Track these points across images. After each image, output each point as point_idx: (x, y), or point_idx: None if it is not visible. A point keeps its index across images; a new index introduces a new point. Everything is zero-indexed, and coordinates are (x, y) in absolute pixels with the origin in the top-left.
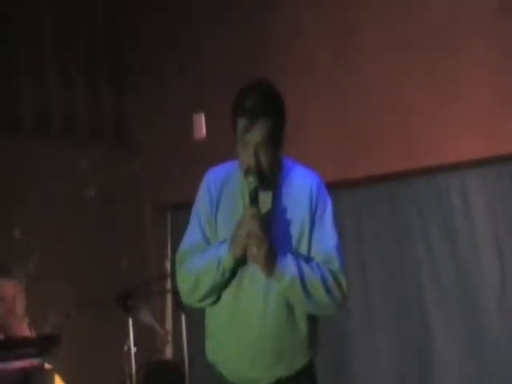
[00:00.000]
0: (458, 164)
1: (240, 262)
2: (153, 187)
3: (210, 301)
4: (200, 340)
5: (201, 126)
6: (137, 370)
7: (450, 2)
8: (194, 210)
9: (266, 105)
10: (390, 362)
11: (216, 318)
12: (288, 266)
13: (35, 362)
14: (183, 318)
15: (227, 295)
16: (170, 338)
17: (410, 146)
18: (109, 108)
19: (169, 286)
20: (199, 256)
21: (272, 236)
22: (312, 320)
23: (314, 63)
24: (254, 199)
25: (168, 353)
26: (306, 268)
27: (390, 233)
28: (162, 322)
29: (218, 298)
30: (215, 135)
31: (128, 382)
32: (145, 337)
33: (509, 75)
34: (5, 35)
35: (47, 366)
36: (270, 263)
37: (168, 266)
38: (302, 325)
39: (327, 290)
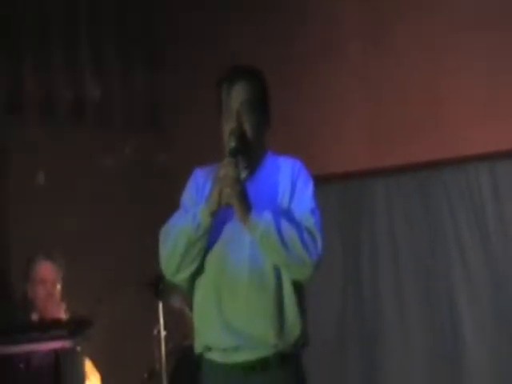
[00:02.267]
0: (489, 154)
1: (215, 217)
2: (184, 174)
3: (187, 271)
4: None
5: None
6: (166, 355)
7: None
8: (180, 204)
9: (244, 71)
10: (421, 361)
11: (201, 303)
12: (263, 214)
13: (66, 344)
14: None
15: (211, 272)
16: None
17: (441, 135)
18: (143, 97)
19: None
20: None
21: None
22: (300, 296)
23: (348, 52)
24: (231, 155)
25: None
26: (281, 219)
27: (421, 222)
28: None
29: (195, 272)
30: None
31: (157, 366)
32: (175, 322)
33: None
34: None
35: (78, 348)
36: (244, 203)
37: None
38: (290, 297)
39: (302, 241)
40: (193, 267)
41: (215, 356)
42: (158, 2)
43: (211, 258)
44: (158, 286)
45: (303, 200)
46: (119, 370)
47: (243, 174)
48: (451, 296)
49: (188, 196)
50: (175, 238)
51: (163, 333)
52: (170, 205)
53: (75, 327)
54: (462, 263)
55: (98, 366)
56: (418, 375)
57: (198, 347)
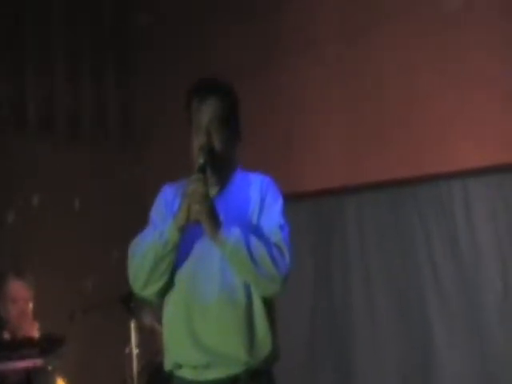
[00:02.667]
0: (461, 172)
1: (183, 233)
2: (155, 181)
3: (155, 286)
4: None
5: None
6: (139, 372)
7: None
8: (149, 220)
9: (214, 87)
10: (393, 373)
11: (171, 319)
12: (232, 230)
13: (38, 362)
14: None
15: (181, 289)
16: None
17: (413, 152)
18: (115, 101)
19: None
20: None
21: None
22: (270, 311)
23: (324, 52)
24: (200, 171)
25: None
26: (250, 235)
27: (393, 238)
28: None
29: (164, 287)
30: None
31: (130, 383)
32: (147, 339)
33: None
34: (13, 26)
35: (49, 367)
36: (213, 220)
37: None
38: (260, 313)
39: (271, 257)
40: (161, 282)
41: (185, 373)
42: (132, 12)
43: (181, 275)
44: (129, 304)
45: (272, 215)
46: None
47: (212, 191)
48: (423, 311)
49: (156, 212)
50: (143, 254)
51: (135, 351)
52: (141, 219)
53: (47, 346)
54: (433, 278)
55: None
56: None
57: (167, 364)
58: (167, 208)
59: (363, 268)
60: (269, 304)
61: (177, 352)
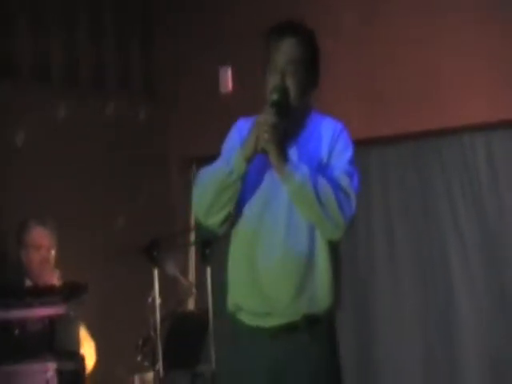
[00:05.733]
0: (484, 124)
1: (250, 164)
2: (179, 140)
3: (217, 216)
4: (224, 292)
5: (227, 79)
6: (161, 321)
7: None
8: (221, 153)
9: (295, 27)
10: (414, 330)
11: (235, 259)
12: (300, 166)
13: (60, 309)
14: (208, 270)
15: (246, 228)
16: (194, 290)
17: (436, 105)
18: (136, 59)
19: (193, 238)
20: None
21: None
22: (334, 259)
23: (341, 23)
24: (272, 106)
25: (191, 304)
26: (318, 175)
27: (416, 192)
28: (186, 274)
29: (227, 219)
30: (242, 89)
31: (152, 332)
32: (169, 288)
33: None
34: None
35: (72, 314)
36: (281, 151)
37: (192, 219)
38: (324, 261)
39: (337, 199)
40: (224, 213)
41: (245, 318)
42: None
43: (247, 212)
44: (152, 253)
45: (341, 162)
46: (114, 335)
47: (284, 131)
48: (445, 262)
49: (227, 145)
50: (207, 182)
51: (158, 300)
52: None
53: (69, 293)
54: (455, 233)
55: (93, 332)
56: (412, 345)
57: (229, 305)
58: (238, 143)
59: (385, 222)
60: (333, 252)
61: (237, 294)
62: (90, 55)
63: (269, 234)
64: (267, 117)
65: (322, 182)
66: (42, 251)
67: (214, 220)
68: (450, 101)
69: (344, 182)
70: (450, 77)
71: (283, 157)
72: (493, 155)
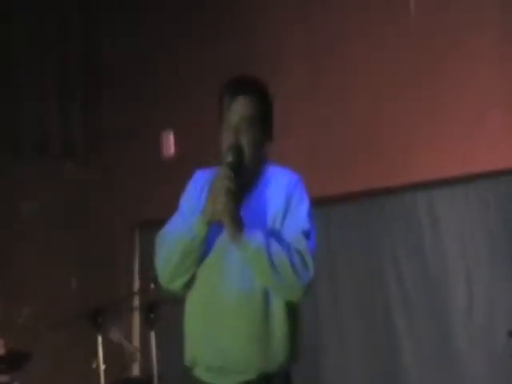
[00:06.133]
0: (427, 182)
1: (210, 226)
2: (123, 204)
3: (181, 279)
4: (169, 356)
5: (169, 144)
6: None
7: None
8: (179, 206)
9: (248, 84)
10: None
11: (190, 314)
12: (255, 234)
13: (4, 378)
14: (152, 334)
15: (201, 286)
16: (138, 355)
17: (379, 164)
18: (80, 125)
19: (137, 303)
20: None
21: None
22: (291, 317)
23: (293, 77)
24: (228, 168)
25: (136, 370)
26: (273, 241)
27: (360, 249)
28: (131, 339)
29: (191, 281)
30: (185, 153)
31: None
32: (114, 354)
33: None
34: None
35: (16, 383)
36: (235, 222)
37: (136, 283)
38: (279, 317)
39: (293, 265)
40: (187, 276)
41: (200, 374)
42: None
43: (202, 268)
44: (96, 319)
45: (297, 219)
46: None
47: (238, 190)
48: (390, 321)
49: (186, 198)
50: (170, 247)
51: (102, 366)
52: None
53: (13, 362)
54: (399, 286)
55: None
56: None
57: (186, 359)
58: (196, 194)
59: (330, 282)
60: (290, 306)
61: (193, 346)
62: (33, 119)
63: (222, 288)
64: (223, 182)
65: (277, 249)
66: None
67: (178, 283)
68: (392, 158)
69: (300, 244)
70: (392, 135)
71: (238, 226)
72: (435, 212)
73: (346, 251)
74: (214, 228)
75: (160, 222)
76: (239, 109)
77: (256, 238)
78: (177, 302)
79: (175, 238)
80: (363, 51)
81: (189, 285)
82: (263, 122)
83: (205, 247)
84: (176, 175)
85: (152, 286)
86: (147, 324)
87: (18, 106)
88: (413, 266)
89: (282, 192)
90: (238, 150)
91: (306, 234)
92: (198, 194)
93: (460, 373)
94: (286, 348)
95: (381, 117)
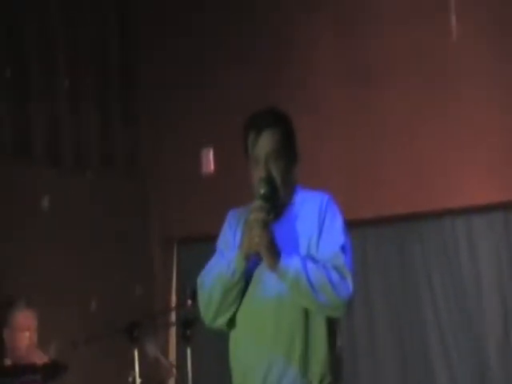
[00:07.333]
0: (465, 208)
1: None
2: (161, 219)
3: (225, 316)
4: (204, 372)
5: (209, 160)
6: None
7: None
8: (216, 247)
9: (271, 118)
10: None
11: (233, 340)
12: (292, 260)
13: None
14: (188, 350)
15: (241, 313)
16: (174, 371)
17: (418, 189)
18: (120, 139)
19: (173, 318)
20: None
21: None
22: (331, 339)
23: (328, 102)
24: (261, 200)
25: None
26: (310, 263)
27: (396, 273)
28: (167, 355)
29: (233, 315)
30: (224, 170)
31: None
32: (150, 369)
33: None
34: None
35: None
36: (272, 251)
37: (173, 299)
38: (320, 341)
39: (332, 284)
40: (230, 312)
41: None
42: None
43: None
44: (132, 333)
45: (332, 236)
46: None
47: (273, 218)
48: (423, 340)
49: (222, 239)
50: (211, 286)
51: (138, 380)
52: (143, 248)
53: (49, 372)
54: (434, 312)
55: None
56: None
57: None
58: (231, 232)
59: (365, 305)
60: (330, 325)
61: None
62: (73, 131)
63: (261, 315)
64: (256, 214)
65: (315, 271)
66: (29, 334)
67: (222, 320)
68: (433, 184)
69: (338, 261)
70: (432, 160)
71: (275, 256)
72: (472, 239)
73: (382, 275)
74: (252, 261)
75: (198, 238)
76: (265, 143)
77: (293, 264)
78: None
79: (215, 276)
80: (402, 77)
81: (232, 321)
82: (289, 148)
83: (244, 282)
84: (215, 192)
85: (189, 302)
86: (184, 340)
87: (57, 118)
88: (448, 291)
89: (314, 215)
90: (269, 181)
91: (343, 249)
92: (233, 231)
93: None
94: (326, 367)
95: (421, 141)
